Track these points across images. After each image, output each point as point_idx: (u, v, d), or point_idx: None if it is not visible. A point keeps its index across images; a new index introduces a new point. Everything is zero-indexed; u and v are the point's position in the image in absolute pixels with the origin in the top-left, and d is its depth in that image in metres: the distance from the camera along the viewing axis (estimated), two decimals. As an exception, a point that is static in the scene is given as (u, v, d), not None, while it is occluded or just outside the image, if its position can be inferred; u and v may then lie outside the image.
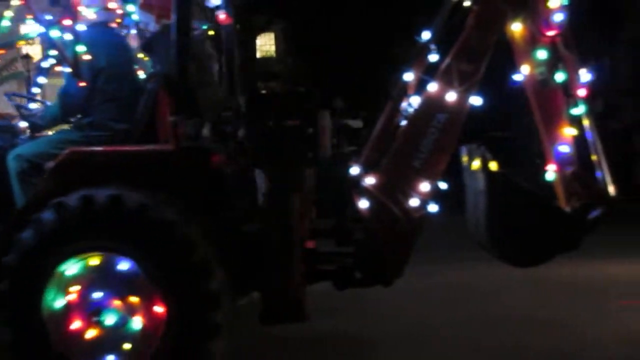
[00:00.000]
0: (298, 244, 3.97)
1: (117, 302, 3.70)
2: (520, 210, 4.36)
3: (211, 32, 5.36)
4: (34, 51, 25.80)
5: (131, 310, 3.71)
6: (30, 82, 23.58)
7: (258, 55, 27.31)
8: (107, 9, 4.25)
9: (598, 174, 4.57)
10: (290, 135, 3.77)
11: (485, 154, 4.42)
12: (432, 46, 4.66)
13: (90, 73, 4.12)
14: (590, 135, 4.60)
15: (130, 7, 5.06)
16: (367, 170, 4.53)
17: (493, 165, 4.38)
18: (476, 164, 4.44)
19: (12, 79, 24.59)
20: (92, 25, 4.23)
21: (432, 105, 4.43)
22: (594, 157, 4.59)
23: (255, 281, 4.00)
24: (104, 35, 4.27)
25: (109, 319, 3.74)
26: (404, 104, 4.67)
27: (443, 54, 4.60)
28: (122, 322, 3.73)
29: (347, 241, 4.68)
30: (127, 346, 3.73)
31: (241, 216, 4.00)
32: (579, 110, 4.54)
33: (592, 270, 6.89)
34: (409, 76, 4.64)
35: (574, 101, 4.56)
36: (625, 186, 13.79)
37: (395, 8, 26.66)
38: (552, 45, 4.48)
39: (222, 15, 4.99)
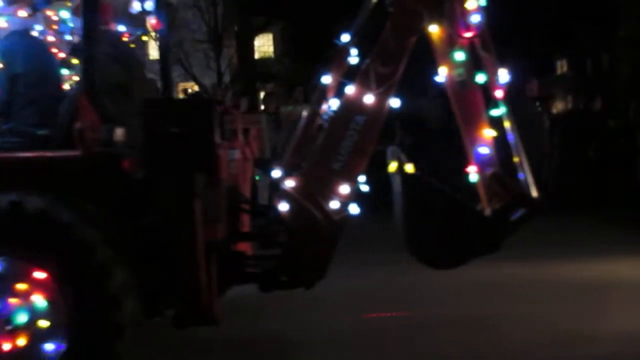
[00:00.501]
0: (204, 248, 3.99)
1: (14, 300, 3.77)
2: (437, 212, 4.37)
3: (145, 38, 5.43)
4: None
5: (27, 296, 3.77)
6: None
7: (256, 56, 27.37)
8: (19, 17, 4.31)
9: (520, 175, 4.57)
10: (185, 141, 3.79)
11: (401, 156, 4.43)
12: (352, 48, 4.68)
13: (5, 80, 4.19)
14: (511, 137, 4.60)
15: (64, 14, 5.14)
16: (288, 173, 4.57)
17: (409, 168, 4.39)
18: (393, 166, 4.46)
19: None
20: (10, 33, 4.31)
21: (351, 108, 4.45)
22: (516, 159, 4.59)
23: (165, 286, 4.03)
24: (20, 42, 4.33)
25: (21, 318, 3.80)
26: (324, 107, 4.70)
27: (363, 57, 4.62)
28: (31, 311, 3.79)
29: (271, 243, 4.73)
30: (44, 323, 3.78)
31: (152, 221, 4.03)
32: (498, 111, 4.54)
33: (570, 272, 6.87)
34: (327, 79, 4.66)
35: (493, 102, 4.57)
36: (628, 184, 13.65)
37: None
38: (470, 47, 4.49)
39: (152, 21, 5.04)
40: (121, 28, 5.25)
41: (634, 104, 18.20)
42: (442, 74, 4.52)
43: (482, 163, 4.51)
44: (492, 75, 4.53)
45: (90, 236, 3.71)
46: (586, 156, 15.98)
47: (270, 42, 30.69)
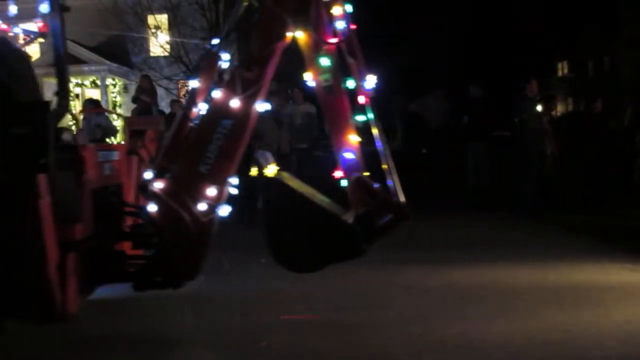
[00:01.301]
0: (58, 247, 4.06)
1: None
2: (295, 216, 4.41)
3: (41, 40, 5.52)
4: (33, 50, 26.71)
5: None
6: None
7: (258, 54, 27.45)
8: None
9: (389, 182, 4.59)
10: (23, 142, 3.87)
11: (260, 159, 4.48)
12: (223, 53, 4.73)
13: None
14: (379, 144, 4.63)
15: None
16: (159, 175, 4.64)
17: (269, 171, 4.44)
18: (254, 170, 4.51)
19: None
20: None
21: (217, 112, 4.52)
22: (384, 166, 4.62)
23: (17, 286, 4.09)
24: None
25: None
26: (195, 111, 4.75)
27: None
28: None
29: (144, 244, 4.81)
30: None
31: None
32: (364, 117, 4.57)
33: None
34: (195, 83, 4.72)
35: (361, 108, 4.60)
36: (627, 186, 13.55)
37: (398, 6, 26.65)
38: (336, 53, 4.53)
39: (39, 24, 5.13)
40: (17, 30, 5.40)
41: (630, 108, 18.05)
42: (310, 79, 4.57)
43: (348, 168, 4.54)
44: (359, 82, 4.57)
45: None
46: (586, 158, 15.85)
47: (272, 41, 30.75)
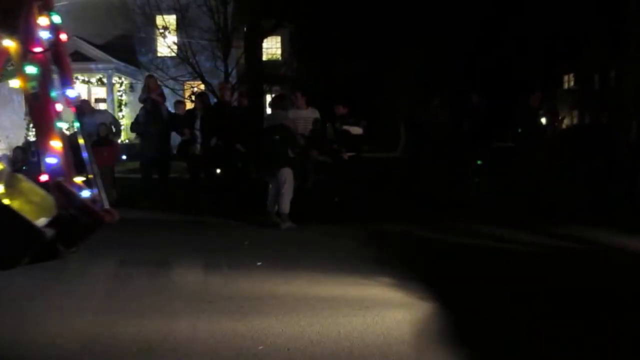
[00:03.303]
0: None
1: None
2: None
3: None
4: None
5: None
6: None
7: (264, 58, 27.72)
8: None
9: (94, 190, 4.73)
10: None
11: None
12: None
13: None
14: (85, 154, 4.77)
15: None
16: None
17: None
18: None
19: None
20: None
21: None
22: (90, 176, 4.76)
23: None
24: None
25: None
26: None
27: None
28: None
29: None
30: None
31: None
32: (65, 124, 4.72)
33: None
34: None
35: (72, 116, 4.77)
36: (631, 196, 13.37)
37: (402, 15, 26.55)
38: (42, 61, 4.68)
39: None
40: None
41: (635, 122, 17.62)
42: (19, 86, 4.74)
43: (52, 172, 4.68)
44: (63, 90, 4.72)
45: None
46: (590, 170, 15.61)
47: (279, 45, 31.00)
